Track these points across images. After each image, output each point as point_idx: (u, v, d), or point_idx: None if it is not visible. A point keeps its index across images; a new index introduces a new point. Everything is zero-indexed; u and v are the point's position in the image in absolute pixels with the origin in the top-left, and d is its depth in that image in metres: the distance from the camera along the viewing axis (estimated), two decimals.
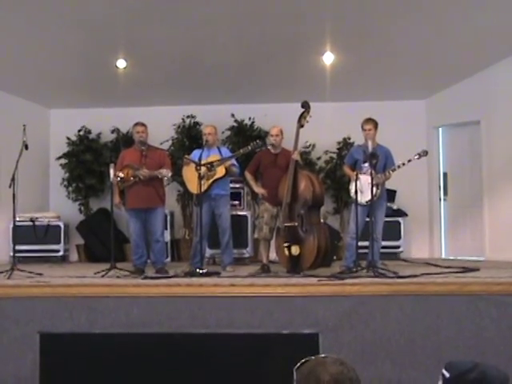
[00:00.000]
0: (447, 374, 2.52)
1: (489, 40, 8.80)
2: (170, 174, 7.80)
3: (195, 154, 8.09)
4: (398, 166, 7.45)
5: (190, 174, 7.93)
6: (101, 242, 10.04)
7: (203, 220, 7.57)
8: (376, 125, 7.62)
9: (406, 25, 8.53)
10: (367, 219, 7.44)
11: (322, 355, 2.48)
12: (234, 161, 8.12)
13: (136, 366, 5.99)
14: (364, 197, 7.37)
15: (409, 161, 7.40)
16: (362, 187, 7.32)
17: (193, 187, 7.87)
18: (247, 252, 9.52)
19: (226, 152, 8.29)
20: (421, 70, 9.60)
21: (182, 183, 8.96)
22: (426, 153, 7.53)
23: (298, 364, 2.45)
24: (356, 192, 7.30)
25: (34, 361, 6.00)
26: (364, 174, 7.39)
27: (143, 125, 7.98)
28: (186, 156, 8.18)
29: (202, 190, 7.52)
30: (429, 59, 9.30)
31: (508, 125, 9.43)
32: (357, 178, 7.31)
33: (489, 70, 9.54)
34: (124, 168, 7.81)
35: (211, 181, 7.87)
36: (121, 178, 7.75)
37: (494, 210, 9.68)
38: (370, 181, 7.13)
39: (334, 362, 2.39)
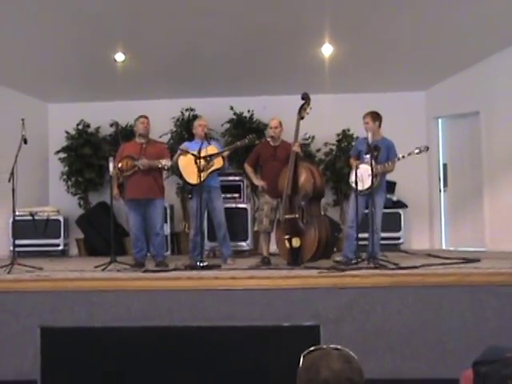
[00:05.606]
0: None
1: (489, 30, 8.77)
2: (169, 163, 7.79)
3: (191, 145, 8.03)
4: (398, 159, 7.44)
5: (185, 163, 7.89)
6: (100, 235, 10.02)
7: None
8: (374, 118, 7.56)
9: (405, 16, 8.51)
10: (366, 210, 7.43)
11: (332, 346, 2.30)
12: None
13: (136, 360, 5.98)
14: (363, 185, 7.33)
15: (409, 154, 7.38)
16: (362, 176, 7.30)
17: (188, 176, 7.84)
18: (247, 245, 9.50)
19: (216, 145, 8.23)
20: (420, 61, 9.57)
21: (180, 175, 8.92)
22: (427, 148, 7.52)
23: (306, 351, 2.31)
24: (356, 182, 7.28)
25: (35, 355, 5.98)
26: (365, 163, 7.37)
27: (147, 117, 8.00)
28: (182, 147, 8.11)
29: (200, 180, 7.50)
30: (428, 50, 9.27)
31: (508, 115, 9.39)
32: (357, 168, 7.30)
33: (488, 60, 9.50)
34: (123, 159, 7.80)
35: (209, 172, 7.83)
36: (119, 168, 7.75)
37: (495, 201, 9.66)
38: (370, 171, 7.12)
39: (338, 358, 2.23)
